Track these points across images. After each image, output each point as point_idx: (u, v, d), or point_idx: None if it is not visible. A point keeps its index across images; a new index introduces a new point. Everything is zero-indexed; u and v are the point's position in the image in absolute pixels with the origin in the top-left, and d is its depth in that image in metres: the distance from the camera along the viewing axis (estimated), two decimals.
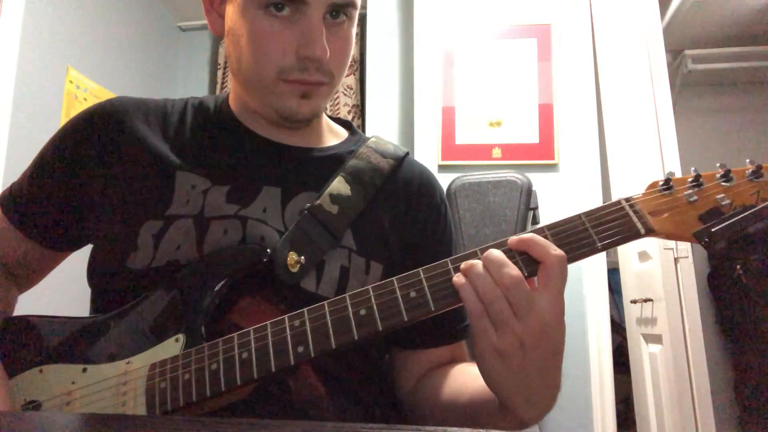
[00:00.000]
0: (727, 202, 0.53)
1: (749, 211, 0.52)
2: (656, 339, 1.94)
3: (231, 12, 0.68)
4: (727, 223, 0.51)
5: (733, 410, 2.78)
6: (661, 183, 0.56)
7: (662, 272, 1.82)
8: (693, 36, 2.86)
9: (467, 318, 0.53)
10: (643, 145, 1.94)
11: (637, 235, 0.54)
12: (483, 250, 0.53)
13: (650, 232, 0.54)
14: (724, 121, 3.13)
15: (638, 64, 1.99)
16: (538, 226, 0.56)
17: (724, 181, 0.54)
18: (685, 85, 3.02)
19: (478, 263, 0.52)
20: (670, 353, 1.78)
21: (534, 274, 0.52)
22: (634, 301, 2.12)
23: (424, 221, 0.76)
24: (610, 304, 2.15)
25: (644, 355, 2.07)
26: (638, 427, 2.16)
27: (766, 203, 0.52)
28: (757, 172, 0.54)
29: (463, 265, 0.52)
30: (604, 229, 0.54)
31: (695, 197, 0.54)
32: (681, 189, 0.55)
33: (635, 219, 0.54)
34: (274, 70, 0.66)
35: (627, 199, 0.56)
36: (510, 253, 0.53)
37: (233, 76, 0.74)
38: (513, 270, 0.50)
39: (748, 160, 0.54)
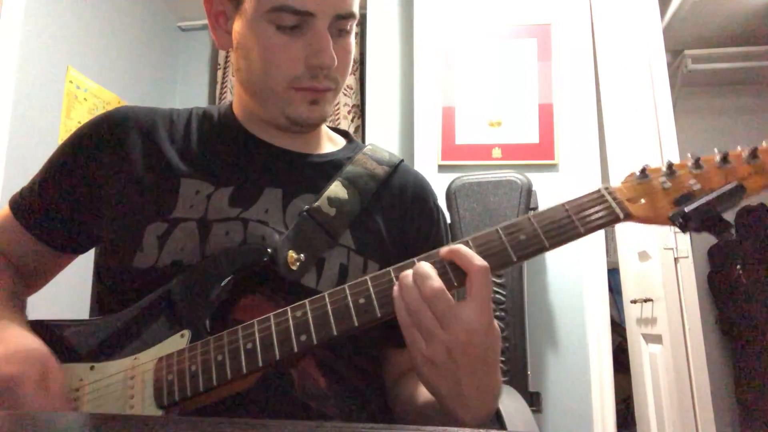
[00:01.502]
0: (698, 186, 0.57)
1: (718, 191, 0.56)
2: (656, 339, 1.94)
3: (239, 27, 0.71)
4: (699, 203, 0.55)
5: (733, 410, 2.79)
6: (637, 172, 0.60)
7: (662, 272, 1.82)
8: (693, 36, 2.86)
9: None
10: (643, 144, 1.94)
11: (616, 220, 0.57)
12: (421, 260, 0.56)
13: (628, 216, 0.57)
14: (724, 121, 3.14)
15: (638, 64, 1.99)
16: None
17: (694, 169, 0.58)
18: (685, 85, 3.02)
19: (409, 274, 0.54)
20: (670, 353, 1.78)
21: (463, 284, 0.54)
22: (634, 301, 2.12)
23: (418, 226, 0.79)
24: (610, 304, 2.15)
25: (644, 355, 2.07)
26: (638, 427, 2.16)
27: (732, 184, 0.56)
28: (725, 159, 0.58)
29: (399, 276, 0.55)
30: (585, 215, 0.57)
31: (669, 184, 0.58)
32: (656, 177, 0.59)
33: (614, 205, 0.57)
34: (285, 80, 0.69)
35: (606, 187, 0.59)
36: (441, 263, 0.56)
37: (241, 86, 0.77)
38: (435, 282, 0.53)
39: (716, 149, 0.58)
